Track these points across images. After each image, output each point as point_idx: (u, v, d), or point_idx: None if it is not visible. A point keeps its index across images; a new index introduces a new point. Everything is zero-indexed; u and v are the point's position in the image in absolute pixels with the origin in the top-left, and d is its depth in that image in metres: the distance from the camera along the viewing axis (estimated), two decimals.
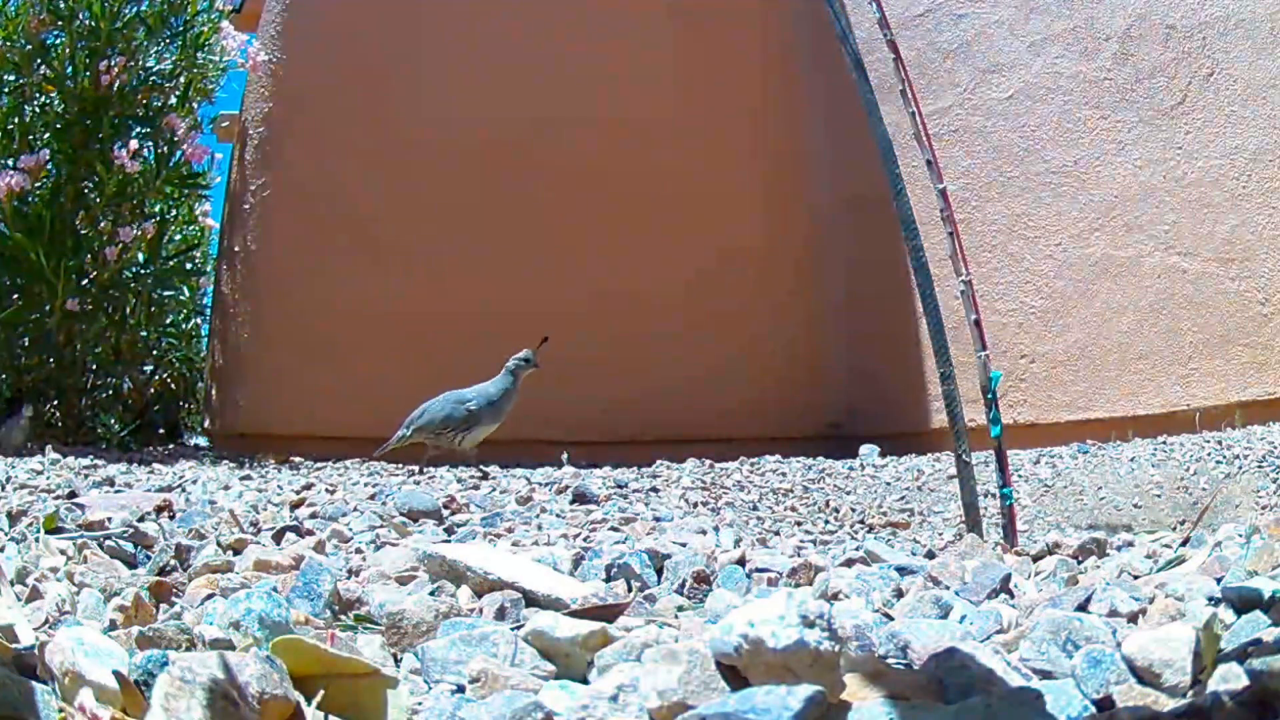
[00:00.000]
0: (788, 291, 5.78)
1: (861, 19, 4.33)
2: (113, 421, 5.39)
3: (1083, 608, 1.37)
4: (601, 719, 0.90)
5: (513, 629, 1.21)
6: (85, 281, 5.01)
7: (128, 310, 5.31)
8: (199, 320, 6.30)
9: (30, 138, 4.95)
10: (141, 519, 2.29)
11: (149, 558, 1.93)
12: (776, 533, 3.24)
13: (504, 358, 5.20)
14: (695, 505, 3.64)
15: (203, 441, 5.72)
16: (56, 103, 5.05)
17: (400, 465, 4.49)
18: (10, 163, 4.77)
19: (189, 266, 5.81)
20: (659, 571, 1.87)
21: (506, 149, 5.34)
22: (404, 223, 5.27)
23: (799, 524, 3.34)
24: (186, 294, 6.03)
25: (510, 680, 1.04)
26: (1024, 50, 5.26)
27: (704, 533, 2.67)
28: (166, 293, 5.67)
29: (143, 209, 5.22)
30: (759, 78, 5.85)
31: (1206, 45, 4.85)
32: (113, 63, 4.86)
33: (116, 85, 4.91)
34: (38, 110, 5.07)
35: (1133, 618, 1.32)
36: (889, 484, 4.36)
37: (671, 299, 5.49)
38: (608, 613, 1.36)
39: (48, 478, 3.40)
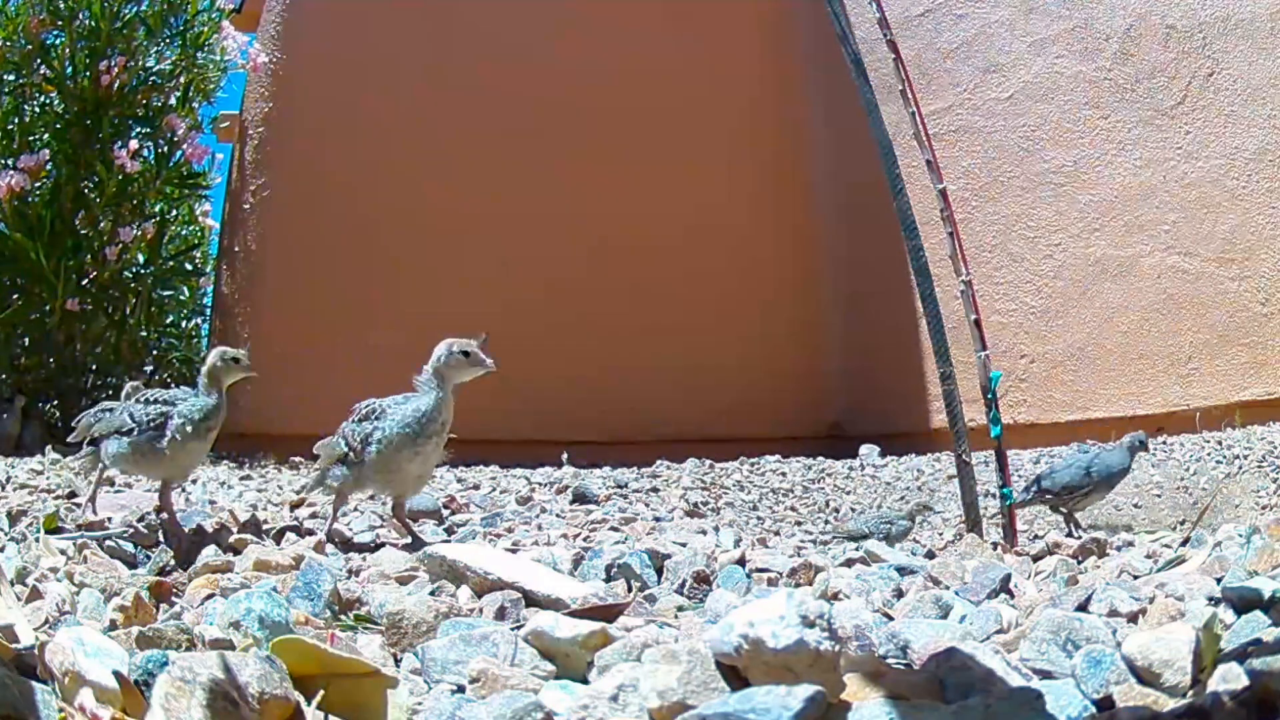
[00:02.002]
0: (788, 291, 5.78)
1: (861, 19, 4.32)
2: None
3: (1083, 608, 1.37)
4: (601, 719, 0.90)
5: (513, 629, 1.21)
6: (85, 281, 5.00)
7: (128, 310, 5.30)
8: (199, 320, 6.29)
9: (30, 138, 4.95)
10: (141, 519, 2.29)
11: (149, 558, 1.93)
12: (776, 533, 3.24)
13: (502, 360, 5.13)
14: (696, 505, 3.64)
15: None
16: (56, 103, 5.05)
17: None
18: (10, 163, 4.77)
19: (189, 266, 5.81)
20: (659, 571, 1.87)
21: (506, 152, 5.33)
22: (404, 223, 5.27)
23: (799, 524, 3.34)
24: (186, 294, 6.03)
25: (510, 680, 1.04)
26: (1024, 50, 5.26)
27: (704, 533, 2.67)
28: (166, 293, 5.67)
29: (143, 209, 5.21)
30: (758, 78, 5.84)
31: (1206, 45, 4.85)
32: (113, 63, 4.86)
33: (116, 85, 4.90)
34: (38, 110, 5.07)
35: (1133, 618, 1.32)
36: (889, 484, 4.36)
37: (671, 301, 5.49)
38: (608, 613, 1.36)
39: (48, 478, 3.39)
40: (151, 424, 2.17)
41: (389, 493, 2.23)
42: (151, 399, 2.23)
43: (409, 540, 2.20)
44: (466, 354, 2.17)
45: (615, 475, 4.10)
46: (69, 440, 2.21)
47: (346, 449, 2.17)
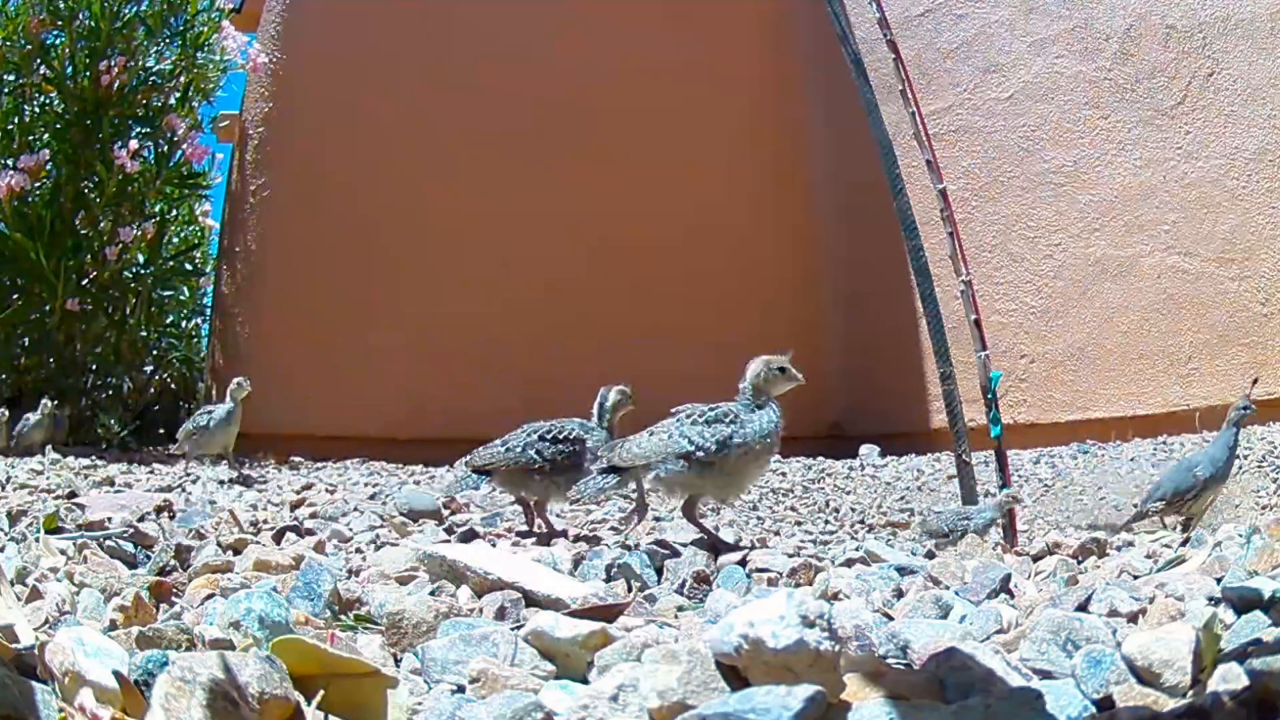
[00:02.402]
0: (788, 291, 5.77)
1: (861, 19, 4.33)
2: (113, 422, 5.39)
3: (1083, 608, 1.37)
4: (601, 719, 0.90)
5: (513, 629, 1.21)
6: (85, 281, 5.01)
7: (128, 310, 5.31)
8: (199, 320, 6.30)
9: (30, 138, 4.95)
10: (141, 519, 2.29)
11: (149, 558, 1.92)
12: (777, 533, 3.24)
13: (502, 361, 5.15)
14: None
15: None
16: (56, 103, 5.05)
17: (400, 465, 4.49)
18: (10, 163, 4.77)
19: (189, 266, 5.81)
20: (659, 571, 1.87)
21: (506, 152, 5.33)
22: (404, 223, 5.27)
23: (799, 524, 3.34)
24: (186, 294, 6.03)
25: (510, 680, 1.04)
26: (1024, 50, 5.26)
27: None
28: (166, 293, 5.68)
29: (143, 209, 5.22)
30: (758, 78, 5.84)
31: (1206, 45, 4.85)
32: (113, 63, 4.87)
33: (116, 85, 4.91)
34: (38, 110, 5.08)
35: (1133, 618, 1.32)
36: (889, 484, 4.36)
37: (671, 301, 5.49)
38: (607, 613, 1.36)
39: (48, 478, 3.40)
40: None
41: (721, 496, 2.27)
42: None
43: (716, 540, 2.21)
44: (783, 370, 2.32)
45: None
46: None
47: (692, 448, 2.16)
